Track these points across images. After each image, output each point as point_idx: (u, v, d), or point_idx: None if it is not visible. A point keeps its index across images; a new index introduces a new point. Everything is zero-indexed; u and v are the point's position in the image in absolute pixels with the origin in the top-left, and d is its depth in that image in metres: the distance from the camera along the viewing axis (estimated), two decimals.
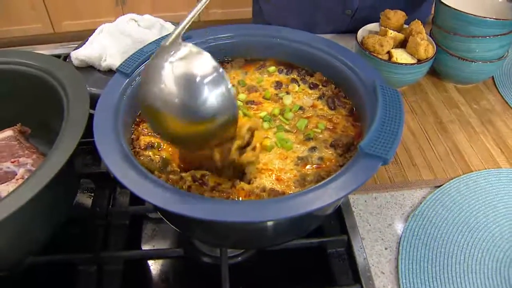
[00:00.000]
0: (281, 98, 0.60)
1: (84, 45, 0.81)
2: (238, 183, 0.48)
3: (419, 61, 0.81)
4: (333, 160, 0.53)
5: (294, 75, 0.64)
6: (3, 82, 0.60)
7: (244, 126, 0.49)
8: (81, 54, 0.78)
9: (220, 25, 0.67)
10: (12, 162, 0.55)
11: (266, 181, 0.49)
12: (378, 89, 0.53)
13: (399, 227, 0.64)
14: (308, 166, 0.52)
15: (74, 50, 0.81)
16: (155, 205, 0.41)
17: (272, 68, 0.64)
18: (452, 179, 0.70)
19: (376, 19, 0.89)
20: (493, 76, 0.91)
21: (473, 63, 0.82)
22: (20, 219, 0.46)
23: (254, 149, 0.50)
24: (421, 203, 0.66)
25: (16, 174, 0.54)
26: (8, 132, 0.58)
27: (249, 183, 0.49)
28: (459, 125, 0.80)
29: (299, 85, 0.62)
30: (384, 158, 0.45)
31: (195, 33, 0.66)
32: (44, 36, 2.29)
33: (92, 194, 0.66)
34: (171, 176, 0.50)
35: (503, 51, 0.82)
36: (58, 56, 0.86)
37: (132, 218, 0.64)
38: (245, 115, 0.57)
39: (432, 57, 0.81)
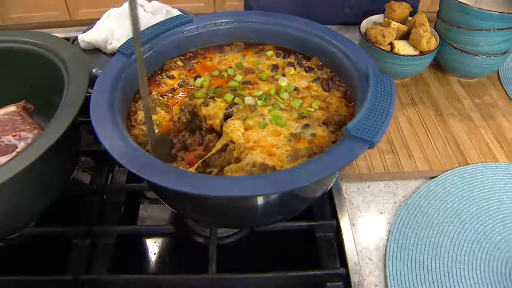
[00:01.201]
0: (277, 80, 0.61)
1: (92, 29, 0.83)
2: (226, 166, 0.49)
3: (422, 53, 0.80)
4: (325, 137, 0.53)
5: (291, 59, 0.64)
6: (9, 59, 0.62)
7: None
8: (88, 37, 0.80)
9: None
10: (13, 136, 0.57)
11: (257, 156, 0.50)
12: (371, 75, 0.53)
13: (390, 215, 0.64)
14: (301, 141, 0.52)
15: (83, 33, 0.83)
16: (140, 175, 0.42)
17: (270, 53, 0.65)
18: (447, 171, 0.70)
19: (375, 13, 0.88)
20: (498, 71, 0.90)
21: (477, 57, 0.81)
22: (15, 188, 0.47)
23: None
24: (414, 193, 0.67)
25: (17, 147, 0.56)
26: (12, 108, 0.60)
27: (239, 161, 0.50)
28: (459, 118, 0.79)
29: (295, 68, 0.63)
30: (370, 141, 0.46)
31: (197, 18, 0.67)
32: (61, 23, 2.33)
33: (92, 172, 0.68)
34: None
35: (507, 45, 0.81)
36: (67, 39, 0.88)
37: (128, 196, 0.66)
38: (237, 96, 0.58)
39: (435, 50, 0.80)
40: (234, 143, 0.52)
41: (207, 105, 0.56)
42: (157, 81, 0.62)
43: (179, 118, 0.57)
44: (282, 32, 0.65)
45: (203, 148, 0.54)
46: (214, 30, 0.65)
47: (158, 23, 0.64)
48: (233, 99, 0.57)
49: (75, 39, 0.85)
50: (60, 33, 0.97)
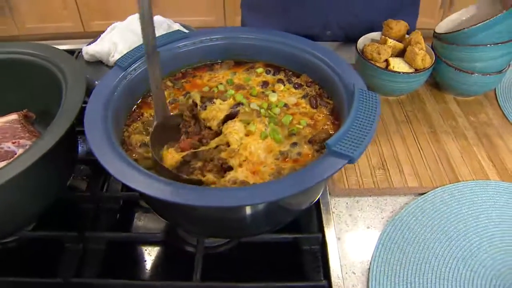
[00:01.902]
0: (267, 96, 0.63)
1: (96, 42, 0.87)
2: (209, 179, 0.51)
3: (417, 70, 0.82)
4: (310, 156, 0.55)
5: (281, 76, 0.67)
6: (13, 70, 0.66)
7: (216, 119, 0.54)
8: (91, 49, 0.84)
9: None
10: (13, 143, 0.60)
11: (241, 174, 0.52)
12: (356, 91, 0.55)
13: (377, 230, 0.65)
14: (286, 160, 0.54)
15: (87, 45, 0.87)
16: (121, 181, 0.45)
17: (260, 70, 0.67)
18: (437, 187, 0.71)
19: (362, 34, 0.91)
20: (495, 90, 0.91)
21: (472, 75, 0.82)
22: (12, 191, 0.50)
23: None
24: (402, 209, 0.68)
25: (16, 154, 0.59)
26: (13, 116, 0.64)
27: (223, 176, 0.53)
28: (453, 136, 0.80)
29: (284, 85, 0.65)
30: (350, 157, 0.48)
31: (193, 33, 0.70)
32: (74, 34, 2.41)
33: (88, 180, 0.71)
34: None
35: (503, 62, 0.82)
36: (74, 51, 0.92)
37: (123, 204, 0.69)
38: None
39: (430, 68, 0.82)
40: (228, 146, 0.54)
41: (205, 109, 0.59)
42: (148, 102, 0.64)
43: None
44: (273, 48, 0.67)
45: (198, 139, 0.56)
46: (208, 46, 0.68)
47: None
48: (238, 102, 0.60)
49: (80, 51, 0.89)
50: (71, 45, 1.02)
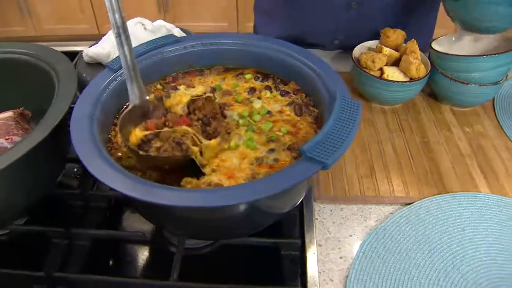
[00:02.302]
0: (252, 102, 0.64)
1: (96, 44, 0.89)
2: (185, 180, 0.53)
3: (411, 79, 0.82)
4: (287, 162, 0.56)
5: (269, 83, 0.68)
6: (10, 69, 0.69)
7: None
8: (91, 51, 0.87)
9: None
10: (6, 139, 0.63)
11: (215, 177, 0.53)
12: (338, 98, 0.56)
13: (359, 239, 0.65)
14: (262, 166, 0.56)
15: (88, 47, 0.90)
16: (103, 182, 0.47)
17: (248, 76, 0.68)
18: (425, 198, 0.71)
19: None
20: (493, 101, 0.90)
21: (468, 85, 0.82)
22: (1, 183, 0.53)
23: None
24: (387, 218, 0.68)
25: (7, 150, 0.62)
26: (9, 113, 0.67)
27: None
28: (445, 146, 0.80)
29: (271, 92, 0.66)
30: (324, 163, 0.48)
31: (187, 38, 0.72)
32: (89, 36, 2.47)
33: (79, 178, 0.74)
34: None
35: (499, 73, 0.82)
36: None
37: (112, 203, 0.71)
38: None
39: (424, 77, 0.82)
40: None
41: (169, 97, 0.60)
42: None
43: None
44: (261, 54, 0.68)
45: (164, 121, 0.57)
46: (198, 51, 0.70)
47: (146, 42, 0.69)
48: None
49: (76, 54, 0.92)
50: (83, 47, 1.04)
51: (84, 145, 0.51)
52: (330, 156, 0.49)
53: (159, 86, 0.68)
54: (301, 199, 0.62)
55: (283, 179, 0.47)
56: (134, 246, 0.66)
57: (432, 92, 0.91)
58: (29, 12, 2.47)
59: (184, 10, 2.53)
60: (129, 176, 0.48)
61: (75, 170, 0.75)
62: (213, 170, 0.54)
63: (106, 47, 0.88)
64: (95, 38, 0.96)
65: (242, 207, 0.51)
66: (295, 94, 0.66)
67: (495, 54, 0.79)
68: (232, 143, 0.57)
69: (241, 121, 0.61)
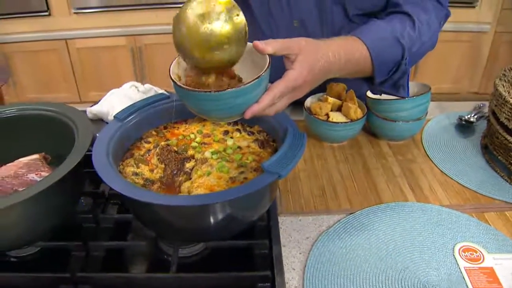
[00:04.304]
0: (226, 140, 0.90)
1: (98, 104, 1.15)
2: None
3: (351, 121, 1.10)
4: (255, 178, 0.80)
5: (239, 126, 0.94)
6: (35, 122, 0.93)
7: None
8: (94, 109, 1.12)
9: None
10: (36, 174, 0.85)
11: (201, 191, 0.77)
12: (289, 131, 0.82)
13: (314, 239, 0.88)
14: (235, 182, 0.80)
15: (90, 107, 1.16)
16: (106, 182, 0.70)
17: (222, 122, 0.94)
18: (365, 208, 0.95)
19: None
20: (421, 136, 1.19)
21: (396, 122, 1.10)
22: (29, 207, 0.73)
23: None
24: (335, 224, 0.92)
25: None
26: (35, 156, 0.90)
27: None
28: (382, 171, 1.06)
29: (240, 133, 0.92)
30: (279, 174, 0.73)
31: (174, 94, 0.99)
32: (71, 104, 2.75)
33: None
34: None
35: (419, 111, 1.10)
36: None
37: (118, 224, 0.92)
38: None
39: (361, 118, 1.10)
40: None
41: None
42: (137, 146, 0.90)
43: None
44: None
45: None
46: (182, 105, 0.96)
47: (142, 99, 0.95)
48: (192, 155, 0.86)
49: (84, 111, 1.17)
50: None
51: (105, 170, 0.75)
52: (283, 169, 0.73)
53: (154, 132, 0.93)
54: (266, 209, 0.86)
55: (248, 186, 0.71)
56: (137, 255, 0.87)
57: (371, 131, 1.19)
58: (13, 82, 2.74)
59: (158, 79, 2.85)
60: (137, 188, 0.72)
61: (87, 203, 0.97)
62: (198, 187, 0.78)
63: (105, 106, 1.14)
64: (78, 106, 1.22)
65: (219, 212, 0.75)
66: (259, 134, 0.92)
67: (413, 96, 1.08)
68: (205, 171, 0.82)
69: (214, 156, 0.85)
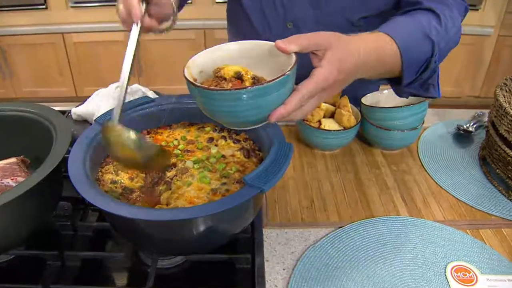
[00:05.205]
0: (210, 148, 0.86)
1: (83, 104, 1.11)
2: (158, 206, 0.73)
3: (344, 128, 1.06)
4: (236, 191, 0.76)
5: (225, 133, 0.90)
6: (14, 125, 0.89)
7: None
8: (79, 110, 1.08)
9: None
10: (12, 179, 0.81)
11: (179, 202, 0.73)
12: (275, 142, 0.78)
13: (299, 254, 0.84)
14: (216, 195, 0.76)
15: (75, 107, 1.12)
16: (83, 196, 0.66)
17: (208, 128, 0.90)
18: (354, 222, 0.91)
19: None
20: (417, 145, 1.15)
21: (391, 131, 1.06)
22: (4, 214, 0.70)
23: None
24: (323, 238, 0.88)
25: None
26: (13, 159, 0.86)
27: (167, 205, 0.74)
28: (374, 182, 1.02)
29: (226, 140, 0.88)
30: (262, 188, 0.69)
31: (158, 98, 0.94)
32: (67, 98, 2.71)
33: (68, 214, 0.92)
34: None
35: (416, 120, 1.06)
36: (64, 112, 1.16)
37: (97, 232, 0.88)
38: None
39: (355, 126, 1.06)
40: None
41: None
42: None
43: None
44: None
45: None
46: (168, 109, 0.92)
47: (127, 102, 0.91)
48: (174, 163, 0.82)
49: (70, 112, 1.13)
50: (62, 107, 1.26)
51: (81, 182, 0.71)
52: (266, 183, 0.69)
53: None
54: (250, 222, 0.82)
55: (229, 201, 0.67)
56: (115, 266, 0.83)
57: (365, 139, 1.14)
58: (10, 75, 2.70)
59: (157, 74, 2.81)
60: (115, 201, 0.68)
61: (66, 208, 0.93)
62: (177, 198, 0.74)
63: (91, 107, 1.10)
64: (74, 100, 1.18)
65: (199, 226, 0.71)
66: (245, 142, 0.88)
67: (410, 105, 1.04)
68: (185, 181, 0.77)
69: (196, 166, 0.81)
